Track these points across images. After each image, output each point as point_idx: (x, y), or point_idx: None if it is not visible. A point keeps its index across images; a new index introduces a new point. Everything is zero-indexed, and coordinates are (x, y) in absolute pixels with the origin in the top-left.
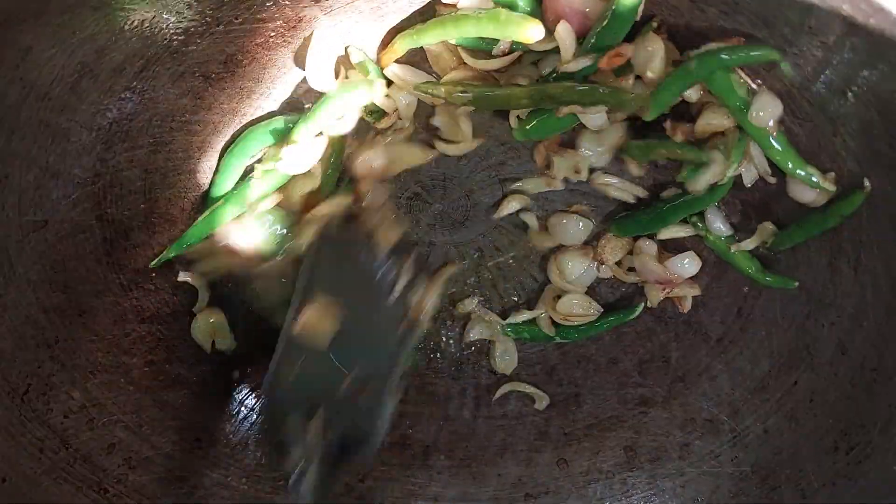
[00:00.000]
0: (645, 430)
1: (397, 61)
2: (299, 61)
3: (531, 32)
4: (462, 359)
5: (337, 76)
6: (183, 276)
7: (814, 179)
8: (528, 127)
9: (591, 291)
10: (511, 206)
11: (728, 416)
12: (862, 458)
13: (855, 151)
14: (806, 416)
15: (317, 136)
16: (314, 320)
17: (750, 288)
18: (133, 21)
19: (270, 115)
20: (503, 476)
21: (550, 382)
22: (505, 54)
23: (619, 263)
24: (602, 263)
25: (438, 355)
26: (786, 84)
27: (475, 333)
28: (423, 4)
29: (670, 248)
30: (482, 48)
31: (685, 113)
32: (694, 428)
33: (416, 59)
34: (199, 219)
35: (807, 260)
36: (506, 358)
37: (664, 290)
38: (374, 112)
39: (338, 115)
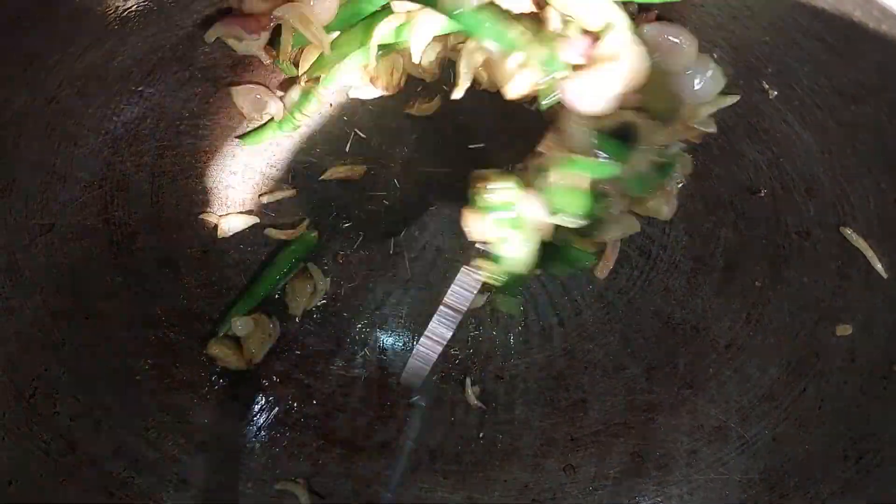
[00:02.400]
0: (652, 436)
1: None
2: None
3: None
4: (468, 363)
5: None
6: None
7: None
8: None
9: None
10: None
11: (736, 423)
12: (871, 467)
13: (866, 155)
14: (815, 423)
15: None
16: None
17: (759, 293)
18: (140, 26)
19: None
20: (509, 482)
21: (558, 388)
22: None
23: None
24: None
25: (445, 361)
26: (800, 90)
27: None
28: None
29: None
30: None
31: None
32: (702, 435)
33: None
34: None
35: (816, 266)
36: None
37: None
38: None
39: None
